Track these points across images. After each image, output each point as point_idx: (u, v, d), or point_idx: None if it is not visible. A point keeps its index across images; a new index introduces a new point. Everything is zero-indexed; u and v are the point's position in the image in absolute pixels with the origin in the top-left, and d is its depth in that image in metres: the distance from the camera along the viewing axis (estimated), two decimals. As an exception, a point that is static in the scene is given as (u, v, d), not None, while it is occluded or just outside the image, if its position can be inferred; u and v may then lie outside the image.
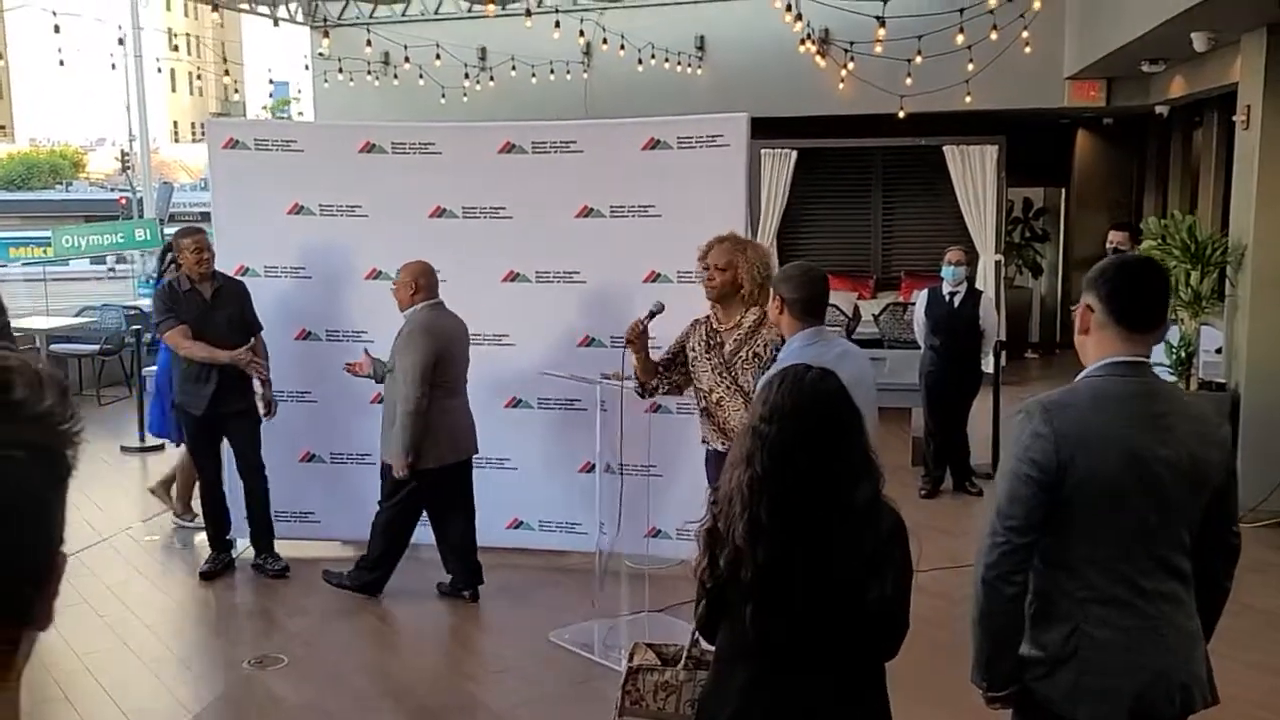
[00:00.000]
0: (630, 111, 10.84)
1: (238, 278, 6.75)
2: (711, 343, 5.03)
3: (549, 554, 6.87)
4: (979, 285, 9.84)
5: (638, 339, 5.16)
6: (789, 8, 10.50)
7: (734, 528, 2.52)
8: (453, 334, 6.15)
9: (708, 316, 5.11)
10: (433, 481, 6.16)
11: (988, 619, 2.62)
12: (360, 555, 6.43)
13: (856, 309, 12.91)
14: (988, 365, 8.77)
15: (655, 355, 5.29)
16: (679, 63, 14.04)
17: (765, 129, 10.65)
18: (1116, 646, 2.55)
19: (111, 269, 28.90)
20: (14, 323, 12.69)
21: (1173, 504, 2.56)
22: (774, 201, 12.91)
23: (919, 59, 11.88)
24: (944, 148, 12.46)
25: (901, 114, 12.44)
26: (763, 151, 12.39)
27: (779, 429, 2.53)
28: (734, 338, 4.98)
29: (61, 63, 12.42)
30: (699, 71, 14.20)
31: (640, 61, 13.78)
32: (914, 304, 9.40)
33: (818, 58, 12.71)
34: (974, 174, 12.35)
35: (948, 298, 8.32)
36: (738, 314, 4.99)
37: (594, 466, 6.35)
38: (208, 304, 6.49)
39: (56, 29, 11.46)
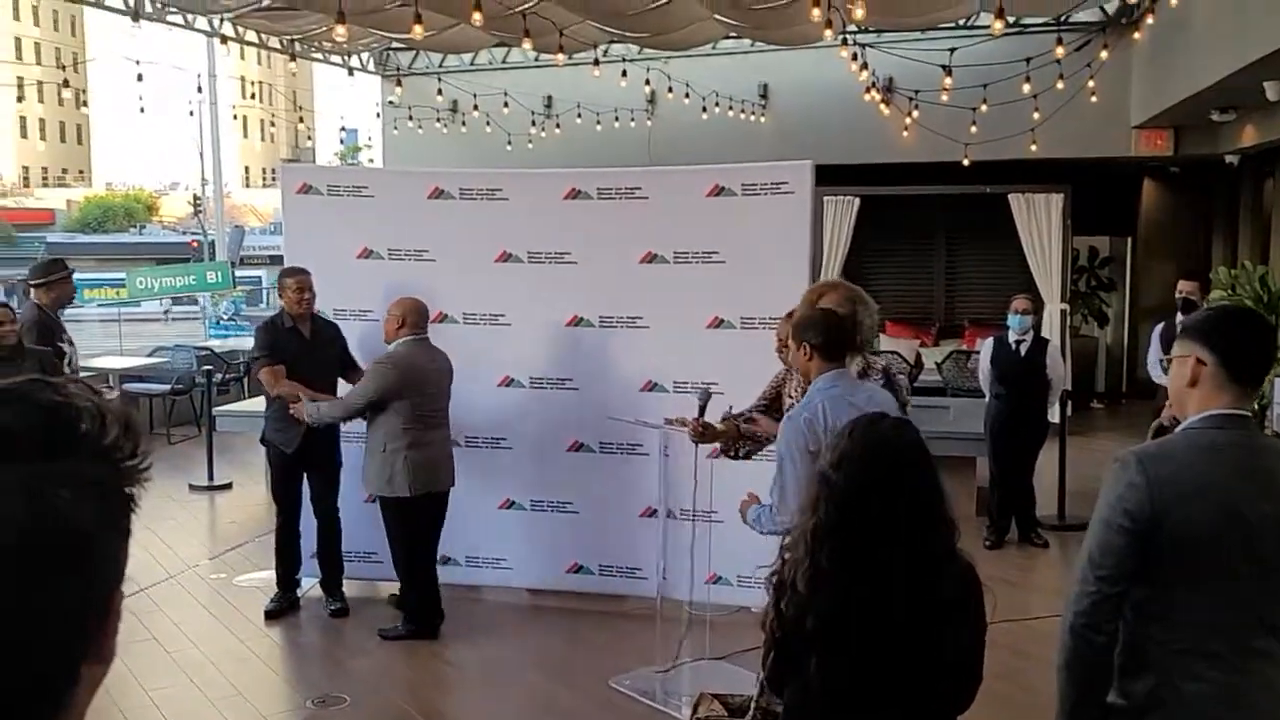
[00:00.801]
0: (693, 158, 10.93)
1: (332, 319, 6.87)
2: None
3: (609, 598, 6.86)
4: (1044, 334, 9.74)
5: (706, 432, 5.04)
6: (854, 57, 10.54)
7: (797, 575, 2.52)
8: (427, 368, 6.26)
9: None
10: (415, 509, 6.25)
11: (1075, 667, 2.57)
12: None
13: (919, 356, 12.82)
14: (1054, 415, 8.66)
15: (747, 403, 5.20)
16: (742, 110, 14.13)
17: (827, 176, 10.66)
18: (1205, 700, 2.48)
19: (168, 310, 29.08)
20: (89, 362, 13.01)
21: (1274, 561, 2.49)
22: (836, 248, 12.88)
23: (984, 107, 11.87)
24: (1009, 196, 12.39)
25: (966, 162, 12.42)
26: (825, 198, 12.39)
27: (846, 476, 2.52)
28: None
29: (142, 110, 12.76)
30: (762, 119, 14.29)
31: (704, 109, 13.90)
32: (978, 352, 9.31)
33: (882, 106, 12.74)
34: (1039, 222, 12.25)
35: (1014, 346, 8.24)
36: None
37: (655, 511, 6.36)
38: (307, 342, 6.60)
39: (140, 78, 11.78)
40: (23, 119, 63.65)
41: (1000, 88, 11.67)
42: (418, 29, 7.43)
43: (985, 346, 8.63)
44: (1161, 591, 2.53)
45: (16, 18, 58.59)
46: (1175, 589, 2.52)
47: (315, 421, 6.34)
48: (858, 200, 12.84)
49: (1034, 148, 12.24)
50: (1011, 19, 11.37)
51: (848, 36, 11.43)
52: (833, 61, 12.31)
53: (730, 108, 14.03)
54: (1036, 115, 11.81)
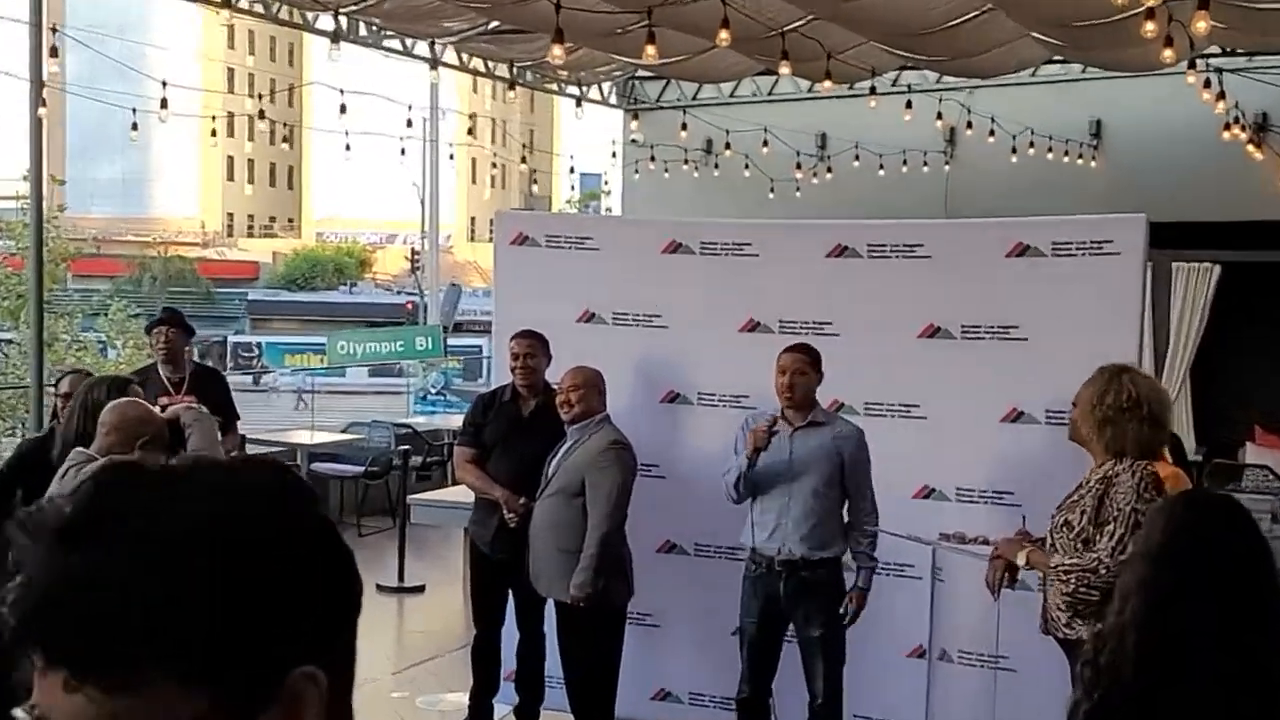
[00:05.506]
0: (1001, 211, 10.72)
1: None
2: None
3: (867, 756, 6.67)
4: None
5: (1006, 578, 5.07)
6: (1206, 84, 10.17)
7: (1124, 660, 2.64)
8: None
9: None
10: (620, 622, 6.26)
11: None
12: None
13: (1296, 470, 12.02)
14: None
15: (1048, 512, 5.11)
16: (1066, 153, 13.82)
17: (1178, 237, 10.24)
18: None
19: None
20: (277, 436, 13.80)
21: None
22: (1188, 327, 12.36)
23: (1391, 149, 11.22)
24: None
25: (1365, 220, 11.74)
26: (1174, 265, 11.91)
27: (1162, 570, 2.62)
28: (1073, 495, 4.79)
29: (348, 147, 13.57)
30: (1093, 163, 13.92)
31: (1014, 150, 13.65)
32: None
33: (1250, 148, 12.22)
34: None
35: None
36: (1093, 464, 4.79)
37: (925, 652, 6.17)
38: (521, 422, 6.60)
39: (343, 109, 12.52)
40: (230, 159, 68.16)
41: None
42: (650, 50, 7.61)
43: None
44: None
45: (231, 46, 63.12)
46: None
47: (586, 591, 6.04)
48: (1218, 267, 12.30)
49: None
50: None
51: (1199, 61, 11.03)
52: (1184, 92, 11.89)
53: (1050, 149, 13.73)
54: None
